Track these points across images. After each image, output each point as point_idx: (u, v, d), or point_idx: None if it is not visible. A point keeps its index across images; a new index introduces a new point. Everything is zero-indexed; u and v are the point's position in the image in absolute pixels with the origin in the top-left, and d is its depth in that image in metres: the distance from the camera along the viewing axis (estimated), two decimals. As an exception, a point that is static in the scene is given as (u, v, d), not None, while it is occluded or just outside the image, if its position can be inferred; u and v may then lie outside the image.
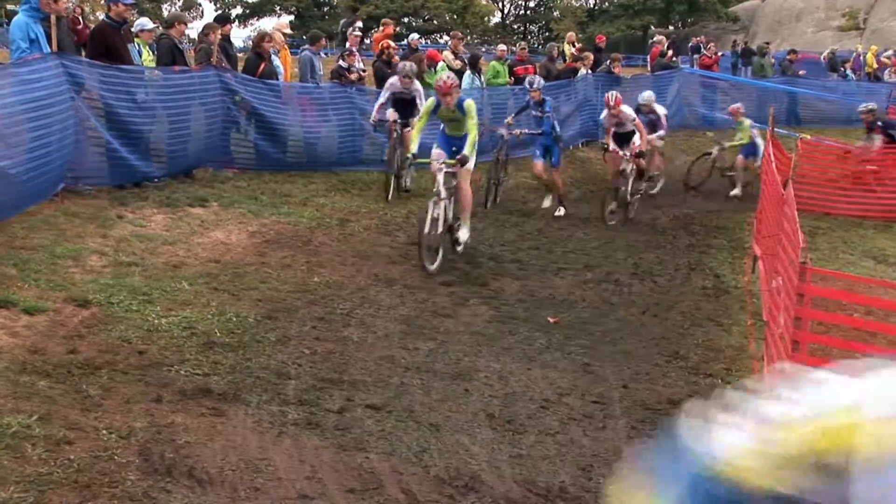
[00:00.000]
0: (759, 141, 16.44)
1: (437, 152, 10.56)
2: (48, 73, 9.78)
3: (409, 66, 13.62)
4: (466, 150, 10.12)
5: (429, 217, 9.76)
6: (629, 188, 14.03)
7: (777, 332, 6.51)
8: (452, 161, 10.20)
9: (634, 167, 14.04)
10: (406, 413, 6.21)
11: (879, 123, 16.79)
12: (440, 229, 9.93)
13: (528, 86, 14.53)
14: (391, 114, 13.59)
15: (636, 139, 14.02)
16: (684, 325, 8.78)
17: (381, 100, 13.70)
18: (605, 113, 14.50)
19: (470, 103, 10.41)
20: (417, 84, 13.75)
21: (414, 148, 10.41)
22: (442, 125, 10.83)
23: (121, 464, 4.97)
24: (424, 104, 11.23)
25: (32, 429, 5.15)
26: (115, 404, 5.74)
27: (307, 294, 8.65)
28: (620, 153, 13.90)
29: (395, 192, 13.51)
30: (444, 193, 10.03)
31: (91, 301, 7.47)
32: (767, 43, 30.45)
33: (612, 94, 14.19)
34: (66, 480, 4.71)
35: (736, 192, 16.61)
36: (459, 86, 11.01)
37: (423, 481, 5.30)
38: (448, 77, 10.63)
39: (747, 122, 16.99)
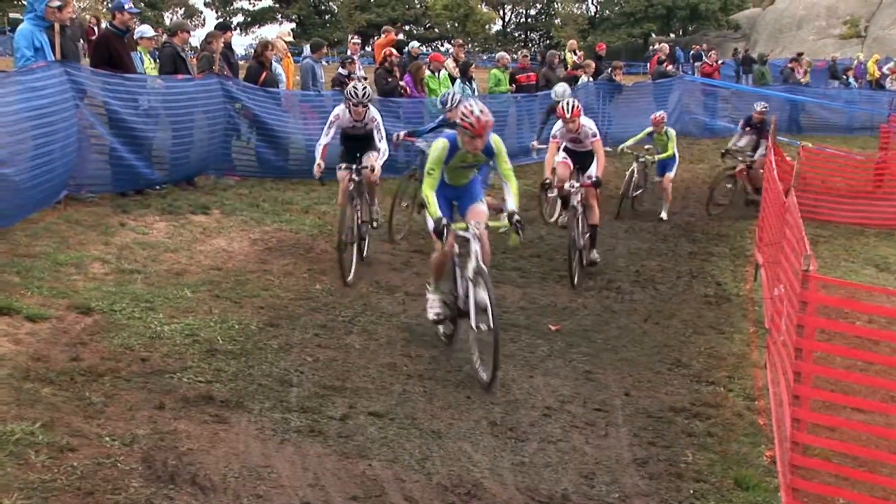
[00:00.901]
0: (677, 154, 15.08)
1: (476, 209, 7.80)
2: (52, 80, 9.81)
3: (360, 87, 10.00)
4: (514, 204, 7.39)
5: (473, 302, 7.09)
6: (580, 230, 10.45)
7: (779, 340, 6.52)
8: (500, 224, 7.75)
9: (582, 203, 10.58)
10: (408, 420, 6.22)
11: (768, 128, 15.09)
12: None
13: (440, 104, 11.56)
14: (341, 172, 9.95)
15: (593, 166, 10.75)
16: (686, 333, 8.78)
17: (325, 139, 9.95)
18: (558, 126, 11.09)
19: (497, 139, 7.47)
20: (373, 112, 10.06)
21: (437, 211, 7.20)
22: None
23: (124, 471, 4.98)
24: (431, 151, 7.47)
25: (36, 436, 5.15)
26: (117, 411, 5.74)
27: (309, 301, 8.66)
28: (567, 185, 10.66)
29: (356, 265, 9.78)
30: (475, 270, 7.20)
31: (94, 308, 7.48)
32: (800, 53, 30.22)
33: (570, 102, 10.89)
34: (69, 487, 4.71)
35: (663, 214, 14.62)
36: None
37: (426, 489, 5.30)
38: (482, 111, 7.13)
39: (672, 132, 15.15)
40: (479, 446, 5.94)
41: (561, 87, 15.42)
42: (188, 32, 13.87)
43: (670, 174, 14.81)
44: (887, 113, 21.78)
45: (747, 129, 15.71)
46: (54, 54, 10.27)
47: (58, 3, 10.20)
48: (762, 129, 15.31)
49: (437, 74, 17.05)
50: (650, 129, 14.90)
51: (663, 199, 14.78)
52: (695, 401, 7.02)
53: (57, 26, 10.33)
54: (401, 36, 19.52)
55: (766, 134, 14.85)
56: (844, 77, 29.39)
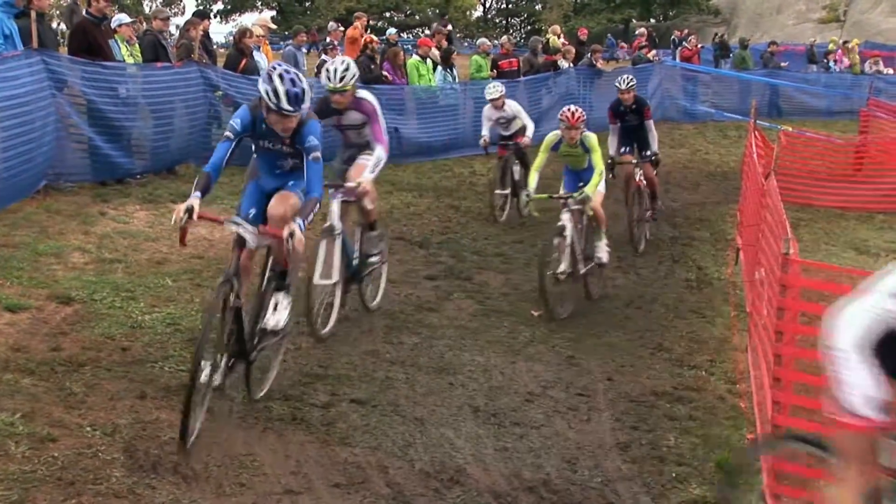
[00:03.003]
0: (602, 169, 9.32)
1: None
2: (28, 69, 9.73)
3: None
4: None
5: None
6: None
7: (760, 323, 6.54)
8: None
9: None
10: (391, 407, 6.21)
11: (648, 105, 12.08)
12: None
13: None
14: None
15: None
16: (668, 318, 8.80)
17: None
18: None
19: (592, 137, 9.28)
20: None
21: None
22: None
23: (105, 461, 4.96)
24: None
25: (16, 426, 5.13)
26: (99, 401, 5.72)
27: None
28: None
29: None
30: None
31: (74, 298, 7.44)
32: (773, 42, 29.95)
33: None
34: (50, 478, 4.69)
35: (601, 254, 9.40)
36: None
37: (409, 475, 5.31)
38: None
39: (592, 137, 9.51)
40: (462, 432, 5.95)
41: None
42: (161, 20, 13.75)
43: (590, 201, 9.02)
44: (867, 96, 21.86)
45: (618, 120, 11.60)
46: (31, 42, 10.18)
47: None
48: (641, 109, 11.66)
49: (425, 60, 16.98)
50: (557, 134, 9.31)
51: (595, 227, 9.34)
52: (677, 385, 7.05)
53: (34, 14, 10.24)
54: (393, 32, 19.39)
55: (649, 112, 11.79)
56: (825, 61, 29.46)
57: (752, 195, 9.86)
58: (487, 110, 12.73)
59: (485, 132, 12.66)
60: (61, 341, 6.58)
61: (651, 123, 11.67)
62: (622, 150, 11.60)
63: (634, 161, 11.59)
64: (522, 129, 12.64)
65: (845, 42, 30.67)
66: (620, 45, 25.40)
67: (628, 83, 11.55)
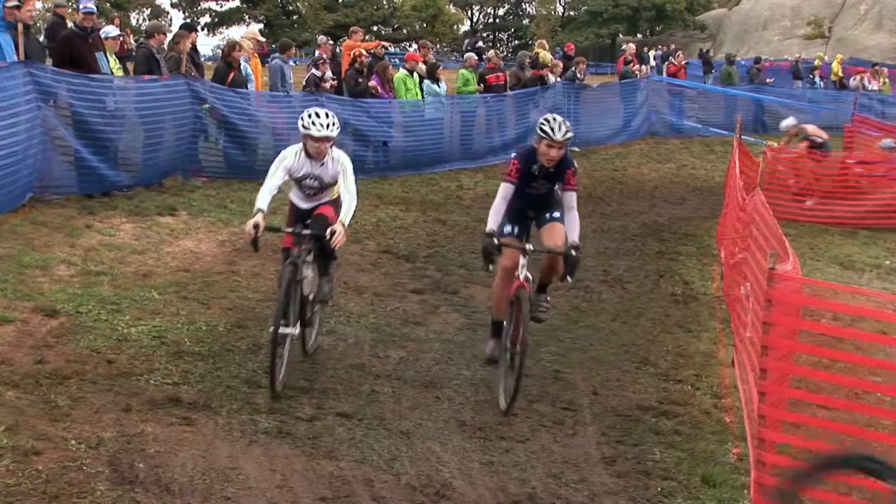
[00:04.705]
0: None
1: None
2: (14, 81, 9.71)
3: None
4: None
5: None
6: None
7: (746, 338, 6.56)
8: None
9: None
10: (377, 421, 6.21)
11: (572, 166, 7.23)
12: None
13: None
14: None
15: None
16: (654, 332, 8.82)
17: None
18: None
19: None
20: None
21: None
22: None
23: (90, 474, 4.94)
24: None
25: (0, 440, 5.10)
26: (84, 414, 5.70)
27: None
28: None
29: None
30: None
31: (59, 311, 7.42)
32: (759, 58, 30.20)
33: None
34: (34, 491, 4.67)
35: None
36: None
37: (395, 489, 5.30)
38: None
39: None
40: (448, 446, 5.94)
41: None
42: (164, 34, 13.82)
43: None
44: (851, 112, 21.99)
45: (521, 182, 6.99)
46: (17, 55, 10.17)
47: (15, 3, 10.10)
48: (562, 174, 6.91)
49: (413, 74, 17.02)
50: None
51: None
52: (662, 399, 7.06)
53: (21, 26, 10.24)
54: (383, 46, 19.46)
55: (573, 180, 6.92)
56: (811, 76, 29.67)
57: (732, 209, 9.90)
58: (291, 158, 6.85)
59: (261, 203, 6.62)
60: (46, 354, 6.56)
61: (573, 197, 6.95)
62: (507, 228, 7.28)
63: (522, 247, 6.99)
64: (336, 203, 7.01)
65: (875, 65, 30.72)
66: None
67: (565, 134, 6.70)
